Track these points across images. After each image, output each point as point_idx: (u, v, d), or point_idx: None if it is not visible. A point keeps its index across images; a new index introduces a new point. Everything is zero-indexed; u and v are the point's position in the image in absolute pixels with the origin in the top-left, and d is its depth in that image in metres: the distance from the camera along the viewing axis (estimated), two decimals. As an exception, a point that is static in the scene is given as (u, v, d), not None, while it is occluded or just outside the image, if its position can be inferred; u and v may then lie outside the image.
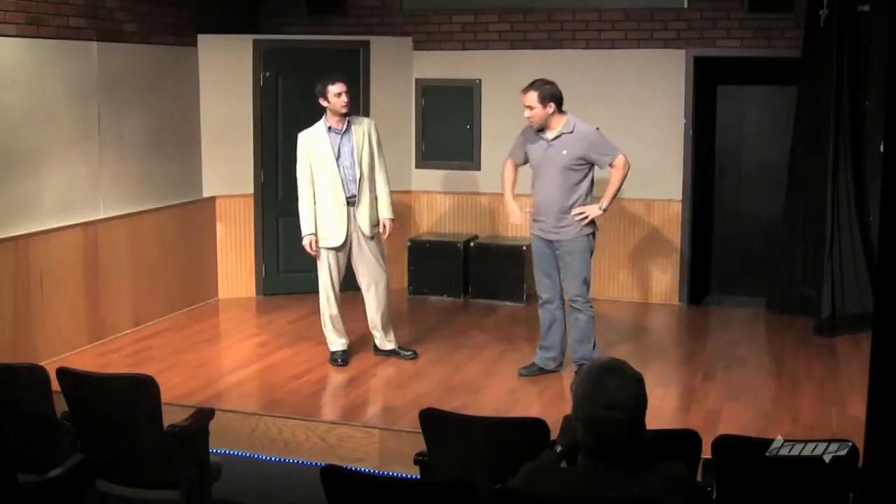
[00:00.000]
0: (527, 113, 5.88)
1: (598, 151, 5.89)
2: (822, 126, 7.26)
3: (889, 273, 2.86)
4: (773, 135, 8.56)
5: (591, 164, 5.93)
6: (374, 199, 6.36)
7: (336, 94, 6.16)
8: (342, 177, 6.23)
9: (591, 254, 6.06)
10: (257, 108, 8.14)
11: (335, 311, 6.40)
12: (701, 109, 8.27)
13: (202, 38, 7.98)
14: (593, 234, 6.02)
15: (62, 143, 6.55)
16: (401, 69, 8.56)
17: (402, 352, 6.56)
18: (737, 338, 7.31)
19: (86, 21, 6.72)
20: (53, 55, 6.45)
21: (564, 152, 5.85)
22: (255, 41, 8.16)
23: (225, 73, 8.07)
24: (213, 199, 8.14)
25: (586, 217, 5.91)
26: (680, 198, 8.13)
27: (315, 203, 6.28)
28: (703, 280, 8.80)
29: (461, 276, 8.36)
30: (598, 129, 5.95)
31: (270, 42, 8.27)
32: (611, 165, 5.91)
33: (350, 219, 6.26)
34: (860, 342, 6.69)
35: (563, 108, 5.90)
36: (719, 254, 9.08)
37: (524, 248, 8.11)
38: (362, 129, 6.30)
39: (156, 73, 7.49)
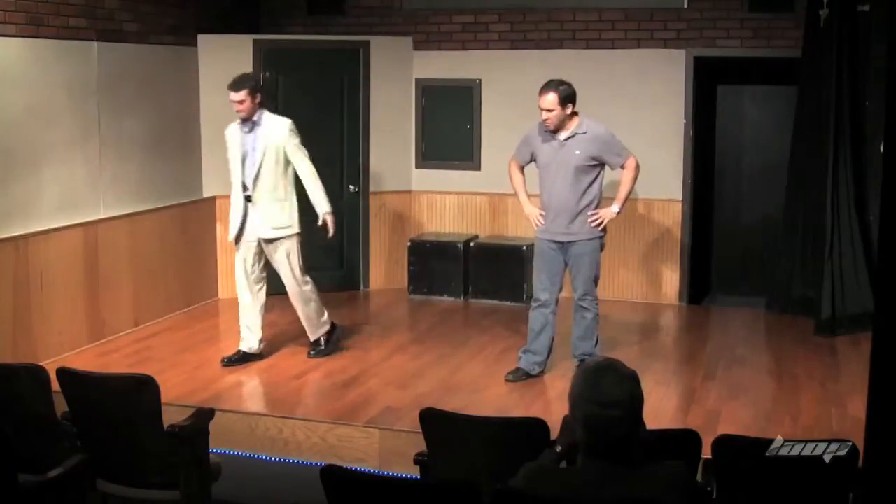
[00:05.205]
0: (545, 115, 5.76)
1: (610, 152, 5.88)
2: (822, 126, 7.26)
3: (889, 273, 2.86)
4: (773, 135, 8.57)
5: (602, 166, 5.91)
6: (278, 201, 6.20)
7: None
8: (244, 174, 6.21)
9: (602, 251, 6.07)
10: (257, 109, 8.12)
11: (240, 301, 6.43)
12: (701, 109, 8.27)
13: (202, 38, 7.98)
14: (603, 234, 6.03)
15: (62, 142, 6.55)
16: (401, 69, 8.56)
17: (316, 347, 6.58)
18: (737, 338, 7.31)
19: (86, 21, 6.72)
20: (53, 55, 6.44)
21: (577, 152, 5.81)
22: (255, 41, 8.15)
23: (225, 73, 7.97)
24: (213, 199, 8.13)
25: (601, 220, 5.91)
26: (680, 198, 8.13)
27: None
28: (703, 280, 8.80)
29: (461, 276, 8.36)
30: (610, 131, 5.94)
31: (270, 42, 8.26)
32: (622, 167, 5.91)
33: (247, 216, 6.24)
34: (860, 342, 6.69)
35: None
36: (719, 254, 9.08)
37: (524, 248, 8.10)
38: (273, 129, 6.21)
39: (156, 73, 7.49)
